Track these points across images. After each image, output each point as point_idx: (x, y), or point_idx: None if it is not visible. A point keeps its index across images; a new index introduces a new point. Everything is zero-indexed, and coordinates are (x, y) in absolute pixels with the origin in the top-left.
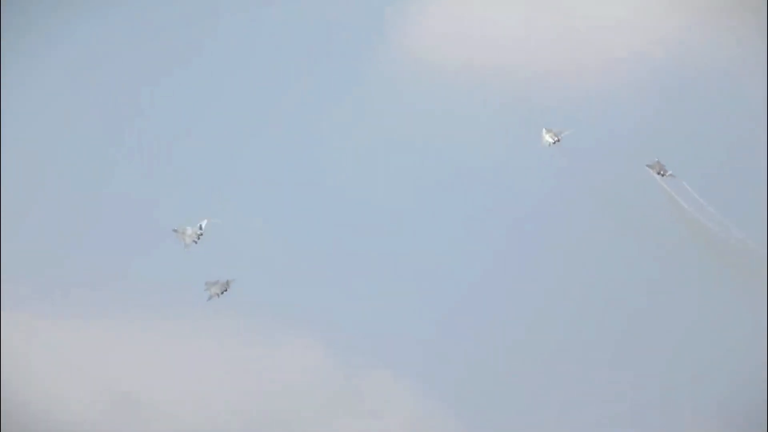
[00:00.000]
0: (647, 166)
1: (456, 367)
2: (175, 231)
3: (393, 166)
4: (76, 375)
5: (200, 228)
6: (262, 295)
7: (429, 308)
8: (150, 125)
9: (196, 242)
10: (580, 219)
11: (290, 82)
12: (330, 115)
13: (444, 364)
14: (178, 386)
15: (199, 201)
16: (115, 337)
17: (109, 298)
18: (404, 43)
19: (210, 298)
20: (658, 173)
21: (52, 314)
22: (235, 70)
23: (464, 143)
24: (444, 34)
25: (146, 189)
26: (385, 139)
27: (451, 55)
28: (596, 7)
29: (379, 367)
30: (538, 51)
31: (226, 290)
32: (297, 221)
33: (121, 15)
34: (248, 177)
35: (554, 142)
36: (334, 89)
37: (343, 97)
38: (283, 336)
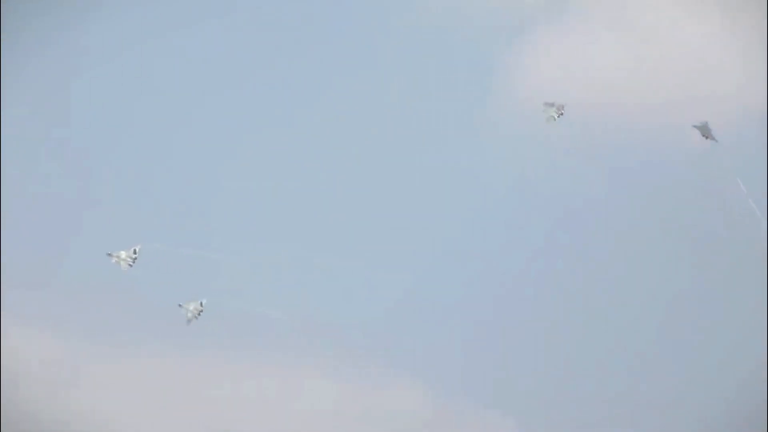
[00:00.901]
0: (694, 126)
1: (555, 405)
2: (109, 255)
3: (493, 206)
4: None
5: (134, 252)
6: (362, 337)
7: (526, 345)
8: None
9: (131, 266)
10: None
11: (396, 120)
12: (436, 154)
13: (546, 405)
14: (275, 426)
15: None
16: (217, 376)
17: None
18: (512, 85)
19: (189, 321)
20: (703, 135)
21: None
22: (336, 108)
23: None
24: (553, 76)
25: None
26: (493, 177)
27: (558, 96)
28: (701, 46)
29: (481, 408)
30: (642, 90)
31: (201, 311)
32: (393, 264)
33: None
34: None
35: (558, 117)
36: (442, 132)
37: (452, 139)
38: (383, 378)
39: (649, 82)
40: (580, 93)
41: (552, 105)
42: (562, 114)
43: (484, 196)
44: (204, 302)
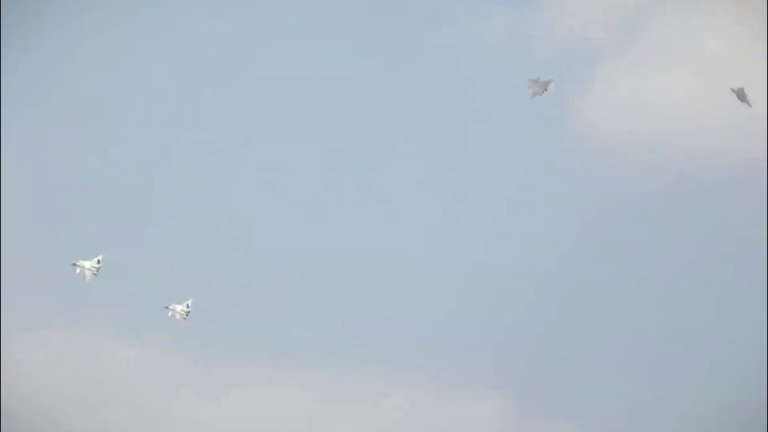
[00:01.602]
0: (731, 89)
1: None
2: (73, 264)
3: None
4: None
5: (97, 262)
6: (440, 350)
7: (604, 359)
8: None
9: (95, 275)
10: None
11: (466, 150)
12: (503, 185)
13: (623, 415)
14: None
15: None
16: (311, 392)
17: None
18: (583, 115)
19: (181, 319)
20: (739, 98)
21: None
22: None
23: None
24: (623, 106)
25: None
26: (560, 204)
27: (630, 126)
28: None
29: (560, 420)
30: (706, 120)
31: (189, 312)
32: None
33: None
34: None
35: (543, 93)
36: (508, 164)
37: (519, 170)
38: (461, 389)
39: (714, 111)
40: (644, 124)
41: (537, 81)
42: (546, 90)
43: (551, 222)
44: (190, 303)
